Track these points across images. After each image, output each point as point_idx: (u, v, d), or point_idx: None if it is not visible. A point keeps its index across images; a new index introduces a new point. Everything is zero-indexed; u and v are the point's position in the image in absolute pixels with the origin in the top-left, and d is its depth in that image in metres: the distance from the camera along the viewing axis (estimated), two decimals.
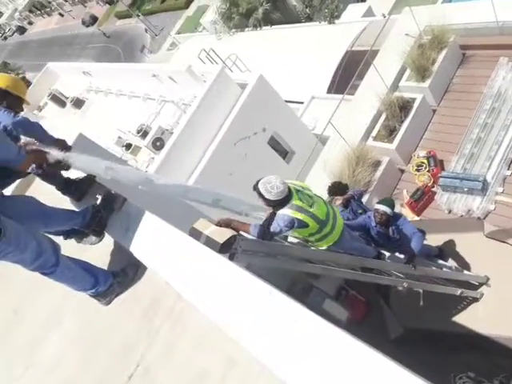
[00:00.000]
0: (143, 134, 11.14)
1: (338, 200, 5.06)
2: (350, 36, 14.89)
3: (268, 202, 3.23)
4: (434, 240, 5.67)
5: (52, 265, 2.35)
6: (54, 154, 2.53)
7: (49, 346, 2.76)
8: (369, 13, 17.24)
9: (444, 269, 4.85)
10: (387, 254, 4.58)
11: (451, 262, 5.18)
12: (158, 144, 10.73)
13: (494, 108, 7.38)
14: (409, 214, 7.19)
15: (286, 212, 3.25)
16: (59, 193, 2.99)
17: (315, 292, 4.34)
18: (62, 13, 55.52)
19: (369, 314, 5.43)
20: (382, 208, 4.61)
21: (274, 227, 3.16)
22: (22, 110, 3.08)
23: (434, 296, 4.49)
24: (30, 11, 66.70)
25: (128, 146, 11.38)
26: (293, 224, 3.21)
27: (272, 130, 11.02)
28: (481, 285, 4.86)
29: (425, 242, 5.27)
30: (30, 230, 2.32)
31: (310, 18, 22.37)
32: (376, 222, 4.67)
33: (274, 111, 10.93)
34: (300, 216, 3.25)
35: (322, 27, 18.04)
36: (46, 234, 2.52)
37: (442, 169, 7.49)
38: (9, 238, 2.14)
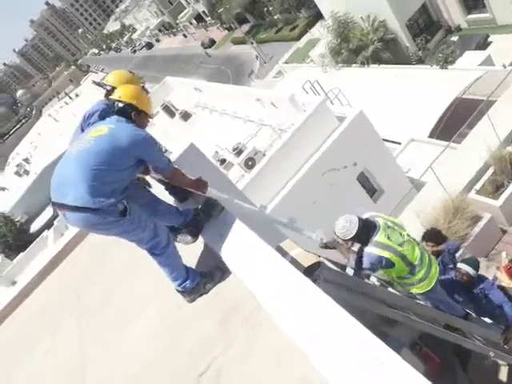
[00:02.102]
0: (238, 152, 11.73)
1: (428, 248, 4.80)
2: (462, 83, 14.24)
3: (347, 241, 3.32)
4: None
5: (163, 246, 2.65)
6: (213, 192, 2.91)
7: (133, 329, 3.01)
8: (487, 62, 16.35)
9: None
10: (475, 316, 4.22)
11: None
12: (249, 163, 11.18)
13: None
14: (504, 279, 6.53)
15: (371, 250, 3.27)
16: (166, 192, 3.29)
17: (392, 338, 4.12)
18: (186, 34, 61.18)
19: (441, 375, 4.98)
20: (465, 268, 4.32)
21: (365, 264, 3.20)
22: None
23: None
24: (160, 30, 74.61)
25: (222, 161, 12.02)
26: (381, 262, 3.18)
27: (363, 166, 10.84)
28: None
29: None
30: (148, 214, 2.63)
31: (421, 61, 21.85)
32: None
33: (369, 148, 10.76)
34: (386, 254, 3.20)
35: (433, 71, 17.52)
36: None
37: None
38: (133, 217, 2.47)
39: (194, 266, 2.97)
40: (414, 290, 3.45)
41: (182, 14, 62.85)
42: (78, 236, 4.70)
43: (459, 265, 4.43)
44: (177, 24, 65.96)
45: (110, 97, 2.68)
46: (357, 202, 10.51)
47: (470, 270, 4.30)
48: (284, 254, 3.08)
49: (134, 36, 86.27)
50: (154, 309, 3.05)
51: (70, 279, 4.34)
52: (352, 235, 3.25)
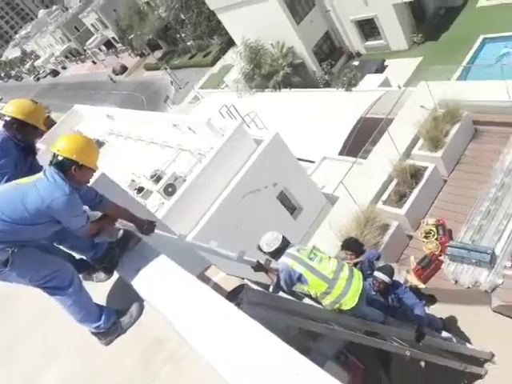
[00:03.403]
0: (157, 178, 11.41)
1: (348, 257, 5.09)
2: (365, 103, 15.54)
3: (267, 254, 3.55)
4: (439, 310, 5.56)
5: (61, 289, 2.47)
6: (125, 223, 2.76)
7: (45, 378, 2.73)
8: (385, 83, 18.10)
9: (447, 341, 4.72)
10: (392, 319, 4.50)
11: (455, 335, 5.03)
12: (169, 190, 10.91)
13: (504, 183, 7.50)
14: (414, 281, 7.09)
15: (282, 260, 3.47)
16: None
17: (315, 352, 4.22)
18: (95, 60, 59.02)
19: (367, 382, 5.20)
20: (381, 276, 4.62)
21: (282, 281, 3.29)
22: (37, 138, 3.15)
23: (436, 369, 4.34)
24: (66, 57, 71.06)
25: (140, 190, 11.59)
26: (289, 273, 3.33)
27: (282, 186, 11.23)
28: (486, 361, 4.69)
29: (429, 312, 5.18)
30: (46, 257, 2.46)
31: (328, 84, 23.46)
32: (375, 290, 4.66)
33: (286, 168, 11.21)
34: (290, 262, 3.41)
35: (339, 93, 18.91)
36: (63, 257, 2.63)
37: (451, 238, 7.46)
38: (16, 268, 2.31)
39: (109, 305, 2.80)
40: (342, 307, 3.51)
41: (91, 40, 60.73)
42: None
43: (375, 273, 4.71)
44: (85, 50, 63.50)
45: (51, 148, 2.46)
46: (278, 220, 10.80)
47: (386, 278, 4.61)
48: (207, 280, 3.05)
49: (37, 63, 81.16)
50: (67, 355, 2.80)
51: None
52: (273, 249, 3.49)
